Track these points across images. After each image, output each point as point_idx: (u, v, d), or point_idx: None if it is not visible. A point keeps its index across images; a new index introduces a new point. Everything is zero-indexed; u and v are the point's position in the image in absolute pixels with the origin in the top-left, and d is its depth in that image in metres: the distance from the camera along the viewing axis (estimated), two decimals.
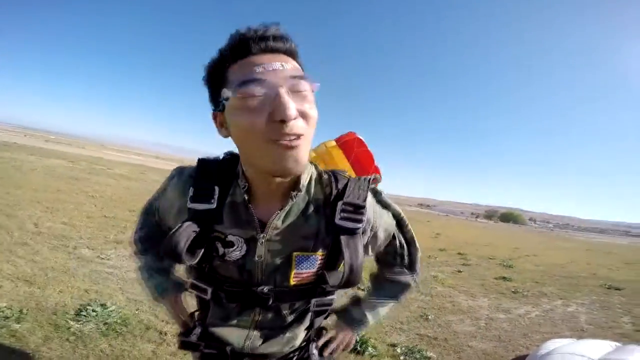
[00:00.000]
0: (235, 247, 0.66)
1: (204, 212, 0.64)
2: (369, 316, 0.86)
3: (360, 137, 1.27)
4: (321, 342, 0.82)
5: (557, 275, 7.59)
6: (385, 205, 0.76)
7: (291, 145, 0.53)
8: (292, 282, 0.68)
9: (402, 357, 2.57)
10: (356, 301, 0.89)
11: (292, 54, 0.58)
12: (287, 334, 0.74)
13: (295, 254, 0.67)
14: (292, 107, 0.51)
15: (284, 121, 0.51)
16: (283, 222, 0.66)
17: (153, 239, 0.85)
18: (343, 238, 0.64)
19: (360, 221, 0.65)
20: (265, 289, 0.67)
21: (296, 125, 0.53)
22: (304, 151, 0.55)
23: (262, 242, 0.66)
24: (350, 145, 1.26)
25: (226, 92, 0.54)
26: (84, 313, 2.29)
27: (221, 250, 0.66)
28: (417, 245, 0.84)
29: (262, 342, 0.72)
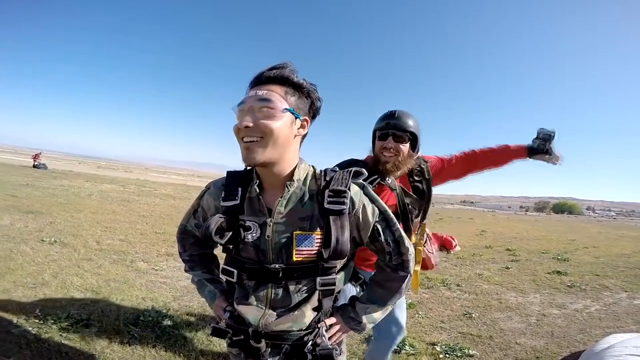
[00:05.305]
0: (251, 230, 0.84)
1: (232, 207, 0.86)
2: (364, 318, 0.92)
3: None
4: (328, 321, 0.90)
5: (621, 266, 6.90)
6: (371, 198, 0.87)
7: (248, 146, 0.77)
8: (295, 258, 0.82)
9: (441, 356, 2.47)
10: (353, 302, 0.96)
11: (281, 81, 0.80)
12: (296, 312, 0.85)
13: (295, 233, 0.82)
14: (244, 120, 0.76)
15: (240, 128, 0.77)
16: (285, 207, 0.83)
17: (195, 256, 1.08)
18: (331, 218, 0.80)
19: (343, 203, 0.80)
20: (276, 265, 0.83)
21: (249, 132, 0.76)
22: (260, 150, 0.77)
23: (270, 225, 0.83)
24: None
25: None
26: (141, 318, 2.53)
27: (242, 233, 0.85)
28: (407, 244, 0.89)
29: (274, 320, 0.84)
